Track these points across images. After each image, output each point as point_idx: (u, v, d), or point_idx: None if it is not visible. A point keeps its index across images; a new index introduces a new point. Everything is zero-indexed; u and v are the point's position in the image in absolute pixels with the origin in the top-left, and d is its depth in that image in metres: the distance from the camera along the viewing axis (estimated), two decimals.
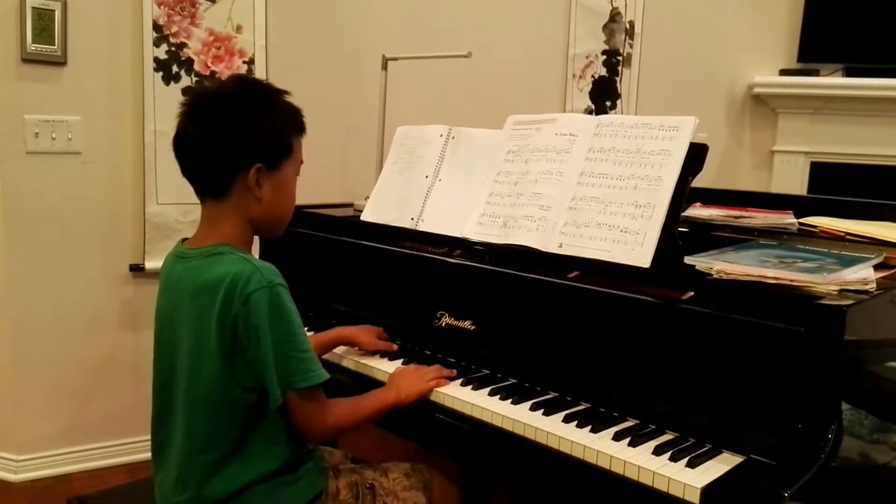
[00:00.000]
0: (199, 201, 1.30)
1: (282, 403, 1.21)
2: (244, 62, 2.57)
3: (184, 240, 1.34)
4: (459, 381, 1.48)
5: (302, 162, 1.35)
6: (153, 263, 2.46)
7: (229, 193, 1.26)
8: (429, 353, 1.63)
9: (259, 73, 2.57)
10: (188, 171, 1.28)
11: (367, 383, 1.55)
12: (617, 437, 1.24)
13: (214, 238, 1.26)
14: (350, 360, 1.64)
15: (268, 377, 1.19)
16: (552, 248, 1.50)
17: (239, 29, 2.56)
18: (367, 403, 1.38)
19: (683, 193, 1.40)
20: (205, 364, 1.21)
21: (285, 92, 1.32)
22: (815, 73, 3.49)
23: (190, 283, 1.24)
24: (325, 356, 1.63)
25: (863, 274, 1.29)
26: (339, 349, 1.67)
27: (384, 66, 2.44)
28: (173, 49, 2.46)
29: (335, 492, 1.35)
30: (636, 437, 1.23)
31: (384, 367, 1.58)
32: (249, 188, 1.25)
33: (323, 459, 1.39)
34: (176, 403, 1.27)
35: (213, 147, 1.24)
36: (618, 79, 3.40)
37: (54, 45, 2.31)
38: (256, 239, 1.37)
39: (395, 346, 1.65)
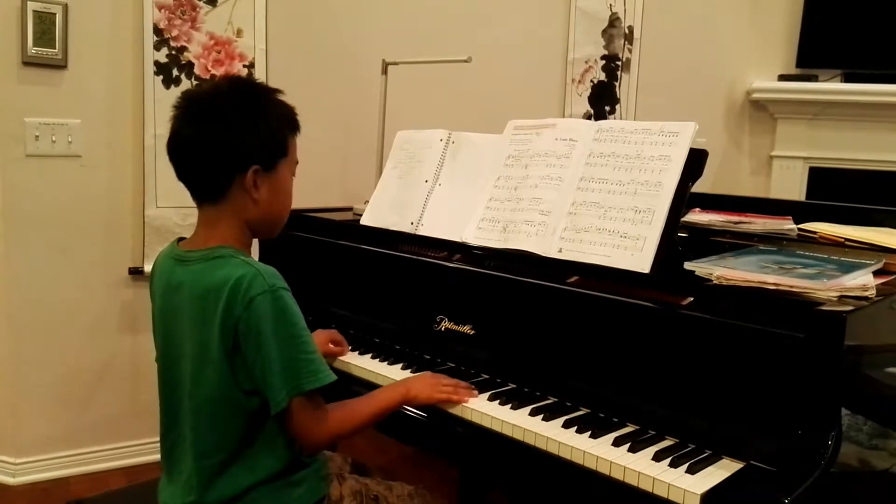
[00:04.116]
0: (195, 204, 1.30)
1: (282, 410, 1.19)
2: (244, 66, 2.58)
3: (179, 240, 1.32)
4: None
5: (297, 162, 1.33)
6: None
7: (227, 196, 1.24)
8: (428, 357, 1.63)
9: (259, 76, 2.56)
10: (184, 174, 1.26)
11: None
12: (616, 442, 1.24)
13: (214, 241, 1.25)
14: (339, 360, 1.64)
15: (268, 382, 1.18)
16: (552, 253, 1.50)
17: (239, 33, 2.56)
18: (368, 405, 1.35)
19: (683, 199, 1.40)
20: (208, 368, 1.20)
21: (278, 91, 1.31)
22: (814, 78, 3.50)
23: (191, 288, 1.23)
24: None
25: (862, 280, 1.29)
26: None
27: (384, 71, 2.44)
28: (174, 53, 2.46)
29: (338, 498, 1.34)
30: (636, 443, 1.23)
31: (375, 369, 1.59)
32: (247, 190, 1.24)
33: (326, 464, 1.38)
34: (183, 408, 1.26)
35: (208, 150, 1.22)
36: (617, 84, 3.40)
37: (55, 48, 2.31)
38: (255, 240, 1.36)
39: (348, 350, 1.67)
